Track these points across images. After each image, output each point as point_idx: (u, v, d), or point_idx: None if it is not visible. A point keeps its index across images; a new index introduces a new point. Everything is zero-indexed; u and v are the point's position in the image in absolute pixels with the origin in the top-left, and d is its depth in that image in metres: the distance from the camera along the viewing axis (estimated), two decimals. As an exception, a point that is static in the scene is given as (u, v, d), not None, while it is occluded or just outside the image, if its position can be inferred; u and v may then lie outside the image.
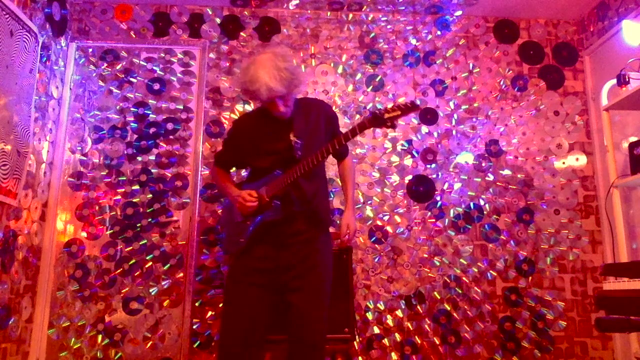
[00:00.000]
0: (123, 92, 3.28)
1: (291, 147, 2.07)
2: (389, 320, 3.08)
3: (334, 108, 3.31)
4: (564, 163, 3.38)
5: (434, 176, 3.31)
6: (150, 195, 3.15)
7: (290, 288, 2.08)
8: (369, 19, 3.52)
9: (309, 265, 2.09)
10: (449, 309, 3.12)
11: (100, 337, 2.94)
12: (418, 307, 3.10)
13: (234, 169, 2.68)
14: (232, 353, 2.03)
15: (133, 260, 3.05)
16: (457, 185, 3.30)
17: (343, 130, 2.13)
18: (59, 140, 3.16)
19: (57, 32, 3.10)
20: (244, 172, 3.02)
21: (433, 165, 3.32)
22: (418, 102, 1.93)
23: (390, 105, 1.90)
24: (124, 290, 3.01)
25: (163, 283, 3.04)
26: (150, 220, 3.11)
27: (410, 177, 3.30)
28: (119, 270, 3.03)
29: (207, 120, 3.29)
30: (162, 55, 3.35)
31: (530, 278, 3.20)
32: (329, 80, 3.39)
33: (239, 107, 3.31)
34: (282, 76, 1.96)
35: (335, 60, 3.44)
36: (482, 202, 3.28)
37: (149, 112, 3.27)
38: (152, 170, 3.19)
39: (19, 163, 2.64)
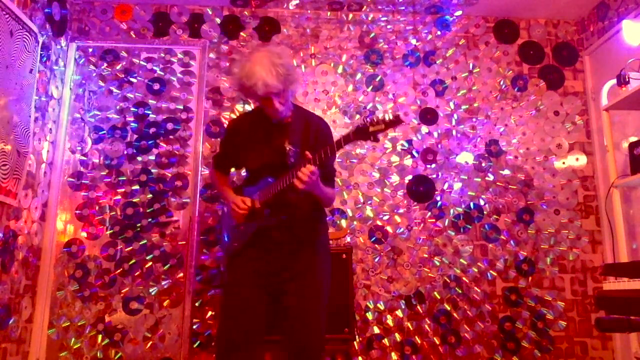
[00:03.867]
0: (123, 92, 3.27)
1: (284, 154, 2.05)
2: (389, 320, 3.08)
3: (333, 108, 3.35)
4: (564, 163, 3.38)
5: (434, 176, 3.31)
6: (150, 195, 3.15)
7: (287, 292, 2.07)
8: (369, 19, 3.52)
9: (306, 269, 2.08)
10: (449, 309, 3.12)
11: (100, 337, 2.94)
12: (418, 307, 3.10)
13: (233, 169, 2.66)
14: (233, 352, 2.02)
15: (133, 260, 3.05)
16: (457, 185, 3.30)
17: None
18: (59, 140, 3.15)
19: (57, 32, 3.10)
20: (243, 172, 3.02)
21: (433, 165, 3.32)
22: (400, 115, 1.87)
23: (375, 118, 1.81)
24: (124, 290, 3.01)
25: (163, 283, 3.04)
26: (150, 220, 3.11)
27: (410, 177, 3.30)
28: (119, 270, 3.03)
29: (207, 120, 3.29)
30: (162, 55, 3.35)
31: (530, 278, 3.19)
32: (329, 80, 3.39)
33: (239, 107, 3.31)
34: (278, 72, 1.96)
35: (335, 60, 3.44)
36: (482, 202, 3.28)
37: (149, 112, 3.27)
38: (152, 170, 3.19)
39: (19, 163, 2.64)
